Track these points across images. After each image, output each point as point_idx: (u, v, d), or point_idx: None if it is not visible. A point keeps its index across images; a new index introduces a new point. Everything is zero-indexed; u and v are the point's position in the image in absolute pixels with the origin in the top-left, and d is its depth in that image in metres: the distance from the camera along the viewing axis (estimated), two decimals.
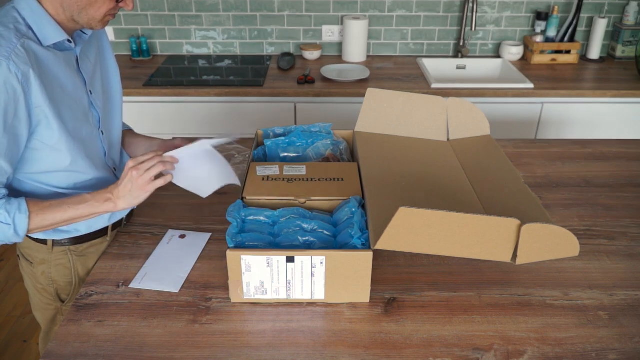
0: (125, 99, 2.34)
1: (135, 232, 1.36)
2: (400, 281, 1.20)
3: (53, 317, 1.39)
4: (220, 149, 1.84)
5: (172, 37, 2.78)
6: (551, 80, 2.48)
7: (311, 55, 2.72)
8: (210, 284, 1.19)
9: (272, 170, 1.32)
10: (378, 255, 1.25)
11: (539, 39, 2.69)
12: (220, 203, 1.46)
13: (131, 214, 1.42)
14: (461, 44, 2.77)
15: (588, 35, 2.78)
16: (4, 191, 1.08)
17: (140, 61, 2.71)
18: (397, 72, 2.59)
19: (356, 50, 2.70)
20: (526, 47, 2.75)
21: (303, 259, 1.07)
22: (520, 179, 1.28)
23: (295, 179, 1.29)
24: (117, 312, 1.11)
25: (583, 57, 2.79)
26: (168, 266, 1.23)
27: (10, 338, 2.24)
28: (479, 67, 2.77)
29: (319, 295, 1.12)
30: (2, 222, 1.07)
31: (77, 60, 1.17)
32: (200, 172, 1.23)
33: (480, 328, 1.08)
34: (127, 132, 1.45)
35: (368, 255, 1.07)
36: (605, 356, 1.02)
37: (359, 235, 1.09)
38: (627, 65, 2.69)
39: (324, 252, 1.07)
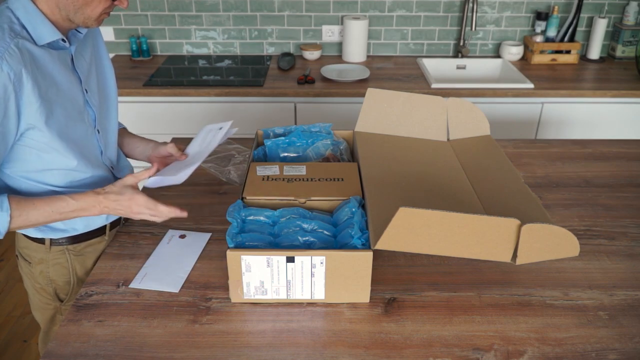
0: (126, 98, 2.34)
1: (135, 232, 1.36)
2: (400, 281, 1.20)
3: (52, 316, 1.39)
4: (220, 148, 1.84)
5: (172, 37, 2.78)
6: (551, 80, 2.48)
7: (311, 55, 2.72)
8: (210, 284, 1.19)
9: (272, 170, 1.32)
10: (378, 255, 1.25)
11: (539, 39, 2.69)
12: (220, 203, 1.46)
13: None
14: (461, 44, 2.77)
15: (588, 35, 2.78)
16: None
17: (140, 61, 2.71)
18: (397, 72, 2.59)
19: (356, 50, 2.70)
20: (526, 47, 2.75)
21: (303, 259, 1.07)
22: (520, 179, 1.28)
23: (295, 179, 1.29)
24: (117, 312, 1.11)
25: (583, 57, 2.79)
26: (168, 266, 1.23)
27: (10, 338, 2.24)
28: (479, 67, 2.77)
29: (319, 295, 1.12)
30: None
31: (72, 59, 1.18)
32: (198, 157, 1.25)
33: (480, 328, 1.08)
34: (122, 131, 1.45)
35: (368, 255, 1.07)
36: (605, 356, 1.02)
37: (359, 235, 1.09)
38: (627, 65, 2.69)
39: (324, 252, 1.07)
